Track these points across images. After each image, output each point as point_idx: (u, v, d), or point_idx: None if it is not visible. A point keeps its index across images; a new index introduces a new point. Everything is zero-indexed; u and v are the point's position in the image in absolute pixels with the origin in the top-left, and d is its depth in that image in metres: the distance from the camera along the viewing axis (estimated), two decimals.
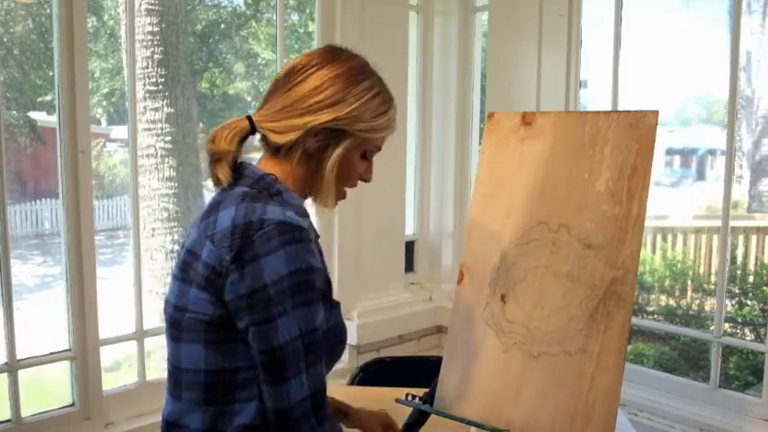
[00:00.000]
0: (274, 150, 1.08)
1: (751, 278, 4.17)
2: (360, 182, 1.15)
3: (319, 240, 1.12)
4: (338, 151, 1.06)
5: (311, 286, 0.99)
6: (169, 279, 1.11)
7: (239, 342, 1.00)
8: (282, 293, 0.96)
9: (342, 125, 1.05)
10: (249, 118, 1.08)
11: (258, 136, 1.10)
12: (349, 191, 1.18)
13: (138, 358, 2.04)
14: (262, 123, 1.07)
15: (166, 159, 4.47)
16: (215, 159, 1.06)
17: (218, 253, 0.98)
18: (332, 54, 1.08)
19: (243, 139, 1.08)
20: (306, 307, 0.98)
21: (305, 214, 1.09)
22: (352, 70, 1.06)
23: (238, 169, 1.08)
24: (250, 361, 1.00)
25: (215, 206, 1.05)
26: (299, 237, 0.98)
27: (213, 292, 0.99)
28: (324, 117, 1.04)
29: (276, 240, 0.96)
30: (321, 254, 1.10)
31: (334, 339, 1.10)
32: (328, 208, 1.12)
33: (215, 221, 1.02)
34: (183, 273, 1.04)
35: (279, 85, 1.08)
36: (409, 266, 2.80)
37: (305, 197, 1.12)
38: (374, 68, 1.11)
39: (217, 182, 1.07)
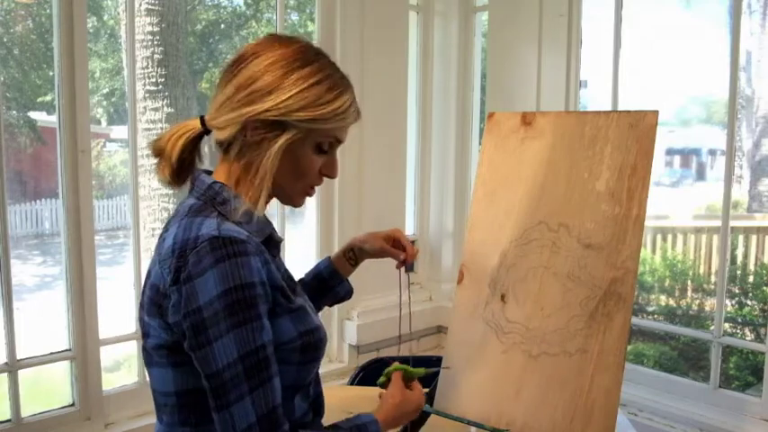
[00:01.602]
0: (222, 149, 1.03)
1: (751, 278, 4.17)
2: (325, 179, 1.06)
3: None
4: (278, 144, 0.97)
5: (250, 303, 0.91)
6: None
7: None
8: (216, 316, 0.89)
9: (279, 116, 0.96)
10: (202, 117, 1.02)
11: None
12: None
13: (138, 358, 2.04)
14: (210, 121, 1.02)
15: None
16: (156, 158, 1.02)
17: (161, 274, 0.95)
18: (271, 41, 1.01)
19: (193, 140, 1.02)
20: (244, 326, 0.91)
21: (262, 220, 1.02)
22: (288, 56, 0.98)
23: (192, 178, 1.04)
24: None
25: (167, 223, 1.03)
26: (234, 251, 0.91)
27: (160, 316, 0.96)
28: (259, 108, 0.96)
29: (208, 259, 0.90)
30: (274, 258, 1.03)
31: (309, 345, 1.03)
32: (294, 206, 1.08)
33: (164, 240, 0.99)
34: (141, 298, 1.02)
35: (222, 79, 1.02)
36: (409, 266, 2.80)
37: (267, 197, 1.01)
38: (320, 53, 1.02)
39: (165, 182, 1.03)
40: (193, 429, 1.00)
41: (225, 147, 1.01)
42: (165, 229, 1.02)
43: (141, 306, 1.02)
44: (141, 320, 1.02)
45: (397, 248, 1.32)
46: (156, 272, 0.97)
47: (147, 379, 1.07)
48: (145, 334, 1.02)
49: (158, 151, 1.02)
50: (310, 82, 0.97)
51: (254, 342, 0.92)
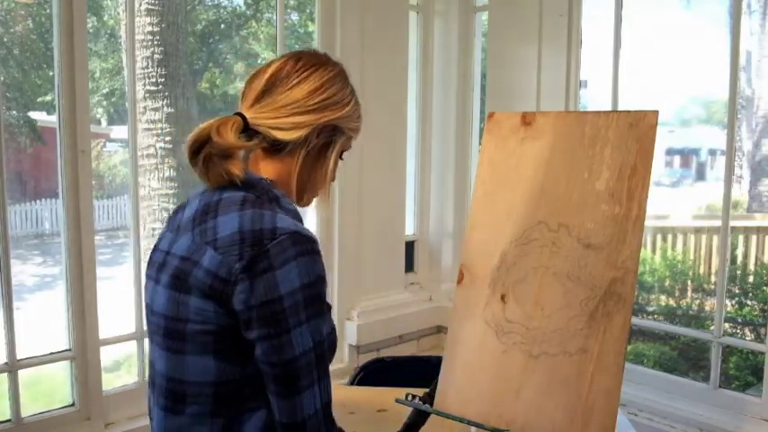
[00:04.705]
0: (276, 149, 1.07)
1: (751, 278, 4.17)
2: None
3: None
4: (336, 148, 1.11)
5: (322, 297, 0.99)
6: None
7: (253, 350, 0.97)
8: (296, 305, 0.94)
9: (341, 123, 1.10)
10: (240, 115, 1.05)
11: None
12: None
13: (138, 358, 2.04)
14: (259, 120, 1.05)
15: (166, 159, 4.48)
16: (226, 155, 1.01)
17: (224, 260, 0.95)
18: (322, 57, 1.13)
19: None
20: (317, 318, 0.98)
21: (301, 219, 1.07)
22: (342, 73, 1.12)
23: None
24: None
25: (207, 210, 1.02)
26: (311, 248, 0.98)
27: (219, 302, 0.96)
28: (329, 115, 1.08)
29: (291, 251, 0.95)
30: None
31: (331, 343, 1.07)
32: (305, 205, 1.15)
33: (214, 227, 0.99)
34: (176, 281, 1.00)
35: (277, 84, 1.06)
36: (409, 266, 2.80)
37: (297, 200, 1.12)
38: None
39: (222, 179, 1.02)
40: (224, 420, 1.00)
41: (279, 147, 1.07)
42: (202, 219, 1.01)
43: (179, 290, 0.99)
44: (175, 305, 1.00)
45: None
46: (213, 257, 0.96)
47: (164, 369, 1.02)
48: (179, 319, 0.99)
49: (231, 148, 1.01)
50: (354, 97, 1.14)
51: (322, 334, 0.99)
